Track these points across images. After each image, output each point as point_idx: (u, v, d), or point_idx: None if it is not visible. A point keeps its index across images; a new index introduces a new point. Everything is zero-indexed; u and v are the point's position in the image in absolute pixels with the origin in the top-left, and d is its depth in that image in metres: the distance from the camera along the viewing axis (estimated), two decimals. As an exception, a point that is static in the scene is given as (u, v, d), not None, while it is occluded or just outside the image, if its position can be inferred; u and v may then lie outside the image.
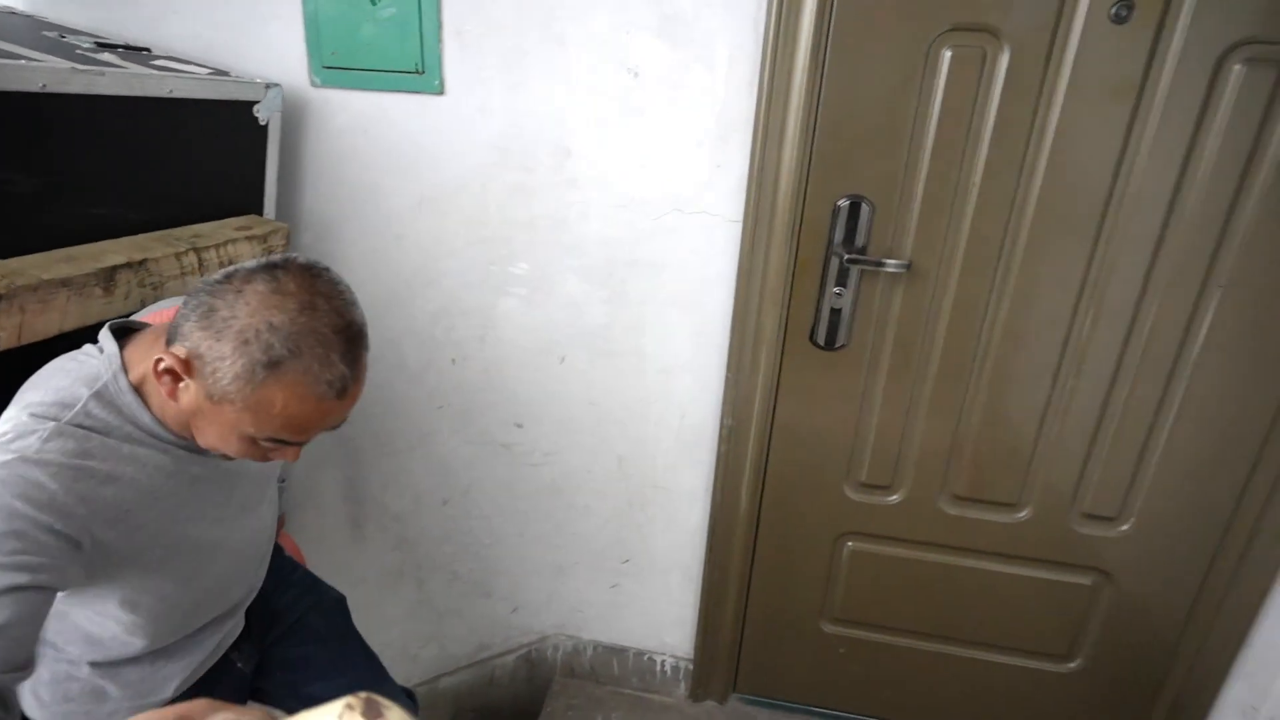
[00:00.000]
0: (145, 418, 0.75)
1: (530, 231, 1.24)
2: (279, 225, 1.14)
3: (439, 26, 1.12)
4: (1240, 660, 1.33)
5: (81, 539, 0.69)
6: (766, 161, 1.13)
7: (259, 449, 0.76)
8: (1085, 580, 1.35)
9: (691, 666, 1.58)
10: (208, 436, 0.76)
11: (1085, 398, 1.22)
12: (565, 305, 1.29)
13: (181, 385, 0.72)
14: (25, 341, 0.79)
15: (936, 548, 1.38)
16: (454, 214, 1.24)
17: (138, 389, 0.75)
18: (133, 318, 0.87)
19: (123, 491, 0.73)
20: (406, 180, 1.22)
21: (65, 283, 0.80)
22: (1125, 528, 1.30)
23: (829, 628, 1.50)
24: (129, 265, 0.87)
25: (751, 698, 1.60)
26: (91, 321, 0.84)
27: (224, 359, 0.69)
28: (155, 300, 0.92)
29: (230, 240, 1.01)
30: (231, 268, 0.72)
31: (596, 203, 1.20)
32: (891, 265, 1.17)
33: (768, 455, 1.35)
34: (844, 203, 1.15)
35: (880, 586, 1.43)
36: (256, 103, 1.12)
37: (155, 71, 0.97)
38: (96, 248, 0.89)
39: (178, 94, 0.97)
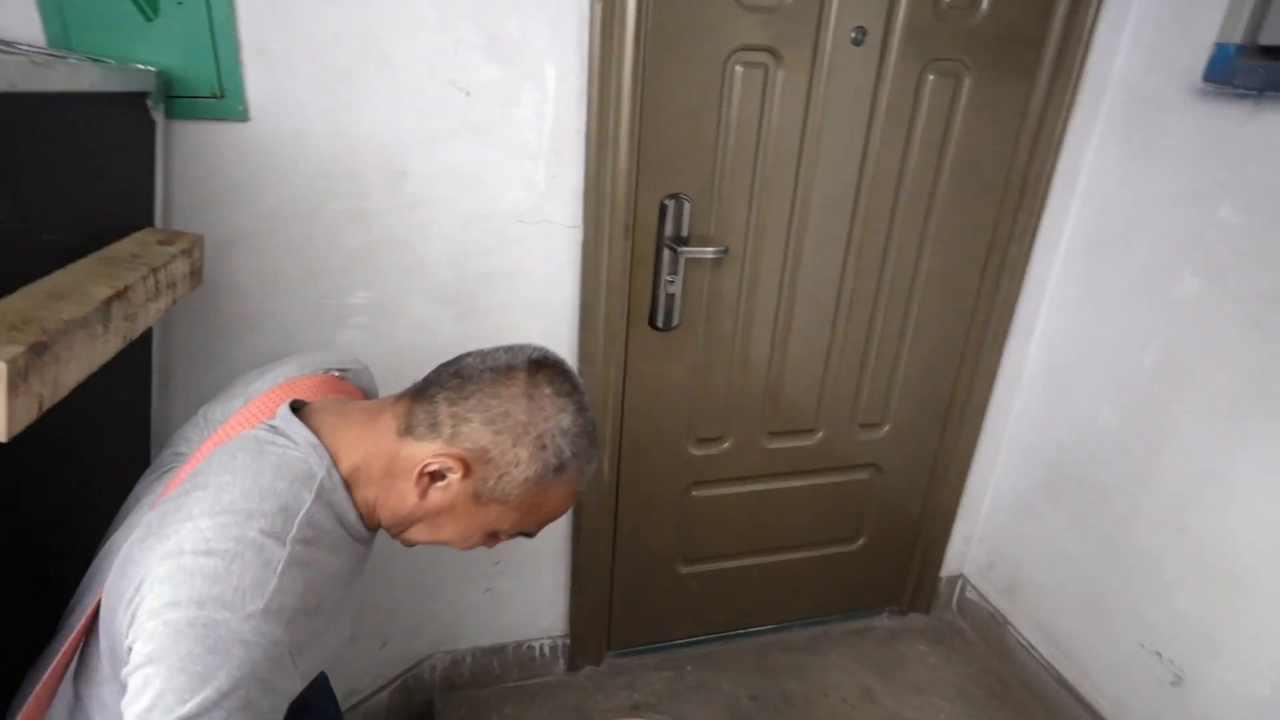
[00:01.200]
0: (352, 515, 0.70)
1: (369, 259, 1.18)
2: (195, 236, 0.94)
3: (236, 45, 0.99)
4: (962, 504, 1.83)
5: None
6: (600, 169, 1.22)
7: (491, 542, 0.75)
8: (864, 476, 1.73)
9: (568, 641, 1.68)
10: (442, 532, 0.74)
11: (855, 335, 1.55)
12: (413, 328, 1.25)
13: (441, 484, 0.70)
14: (56, 401, 0.59)
15: (760, 478, 1.65)
16: (276, 250, 1.12)
17: (347, 483, 0.69)
18: (258, 390, 0.79)
19: (324, 591, 0.65)
20: (213, 218, 1.07)
21: (83, 323, 0.61)
22: (887, 429, 1.69)
23: (683, 569, 1.70)
24: (117, 297, 0.68)
25: (624, 651, 1.76)
26: (96, 367, 0.66)
27: (519, 464, 0.70)
28: (132, 332, 0.73)
29: (170, 260, 0.82)
30: (494, 361, 0.72)
31: (439, 222, 1.19)
32: (710, 252, 1.35)
33: (621, 431, 1.48)
34: (669, 201, 1.30)
35: (721, 521, 1.67)
36: (148, 94, 0.90)
37: (40, 58, 0.73)
38: (64, 279, 0.68)
39: (71, 86, 0.75)
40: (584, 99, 1.17)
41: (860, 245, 1.46)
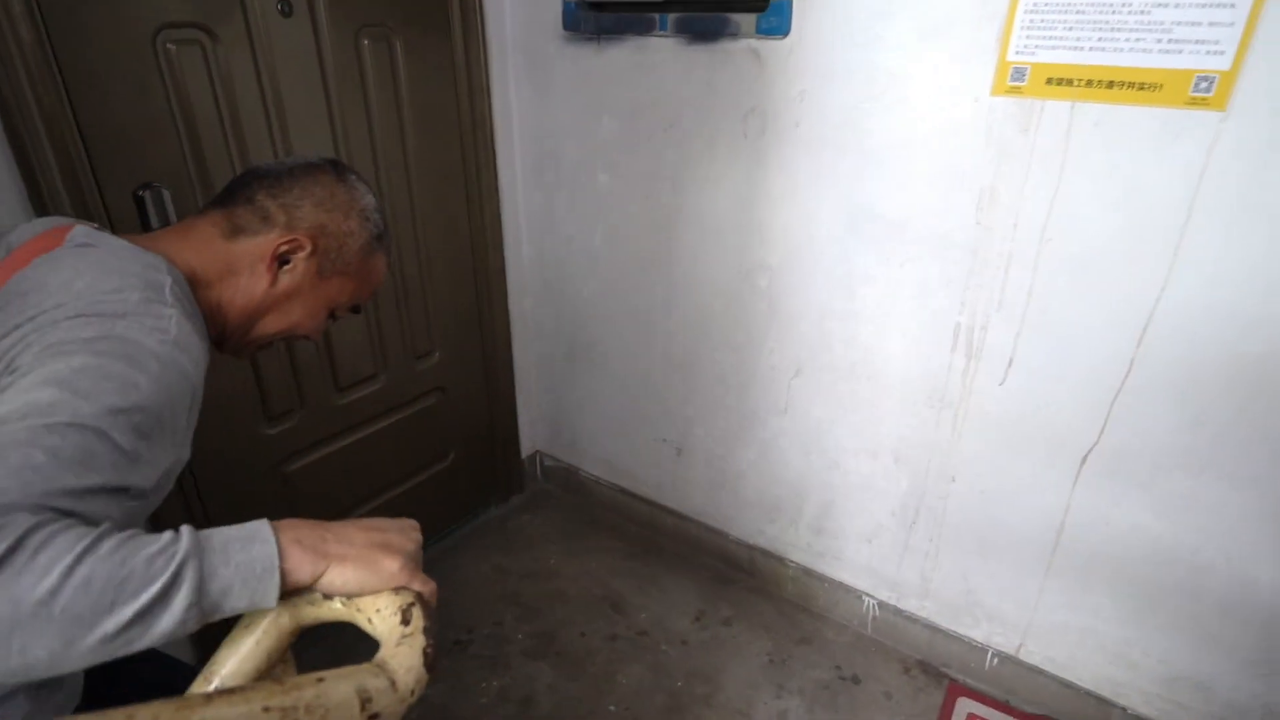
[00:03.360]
0: (199, 314, 0.73)
1: None
2: None
3: None
4: (517, 395, 2.20)
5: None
6: (41, 175, 1.11)
7: (329, 323, 0.88)
8: (433, 400, 1.96)
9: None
10: (292, 316, 0.82)
11: (387, 283, 1.71)
12: None
13: (287, 267, 0.80)
14: None
15: (343, 434, 1.74)
16: None
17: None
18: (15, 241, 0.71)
19: (198, 380, 0.65)
20: None
21: None
22: (438, 354, 1.93)
23: (298, 548, 1.72)
24: None
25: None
26: None
27: (352, 235, 0.83)
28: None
29: None
30: (294, 163, 0.82)
31: None
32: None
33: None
34: (144, 192, 1.24)
35: (323, 484, 1.73)
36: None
37: None
38: None
39: None
40: (-10, 97, 1.04)
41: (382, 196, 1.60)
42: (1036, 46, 1.17)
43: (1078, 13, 1.12)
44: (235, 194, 0.81)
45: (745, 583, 1.96)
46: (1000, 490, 1.47)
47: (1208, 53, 1.05)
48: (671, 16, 1.52)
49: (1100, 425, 1.31)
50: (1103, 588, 1.42)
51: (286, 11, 1.37)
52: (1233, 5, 1.01)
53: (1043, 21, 1.15)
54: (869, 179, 1.41)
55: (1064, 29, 1.13)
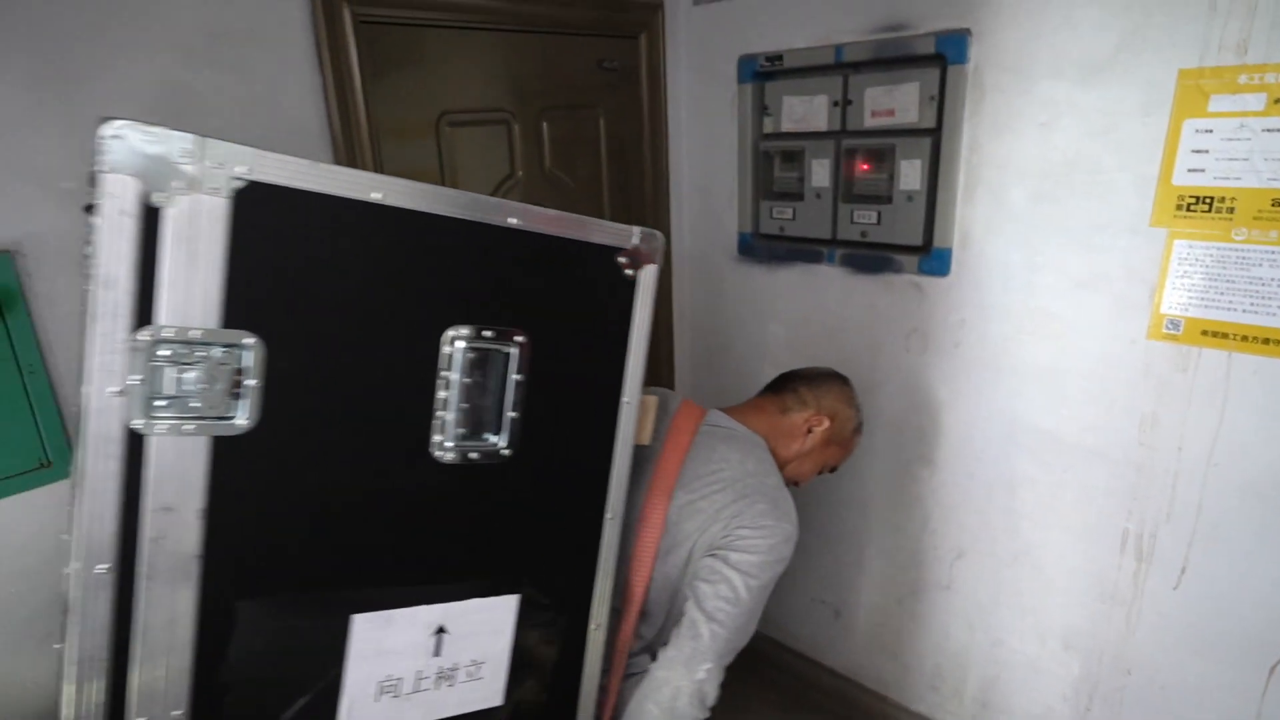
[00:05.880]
0: None
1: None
2: None
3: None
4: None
5: None
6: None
7: (817, 475, 1.42)
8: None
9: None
10: (804, 467, 1.35)
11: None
12: None
13: (810, 435, 1.32)
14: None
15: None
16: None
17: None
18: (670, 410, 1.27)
19: None
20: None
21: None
22: (619, 522, 2.17)
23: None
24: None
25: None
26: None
27: (850, 419, 1.39)
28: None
29: None
30: (820, 370, 1.44)
31: None
32: None
33: None
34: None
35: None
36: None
37: None
38: None
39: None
40: None
41: None
42: (1189, 304, 1.33)
43: (1228, 282, 1.28)
44: (783, 386, 1.38)
45: (910, 750, 2.02)
46: (1182, 687, 1.53)
47: (1357, 322, 1.19)
48: (839, 251, 1.78)
49: (1284, 638, 1.38)
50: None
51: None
52: (1378, 287, 1.16)
53: (1193, 285, 1.32)
54: (1027, 397, 1.58)
55: (1215, 293, 1.30)
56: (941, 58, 1.53)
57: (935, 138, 1.58)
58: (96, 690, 0.71)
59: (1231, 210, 1.26)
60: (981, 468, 1.70)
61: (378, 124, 1.50)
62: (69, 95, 1.13)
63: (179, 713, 0.75)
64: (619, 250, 0.96)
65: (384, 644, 0.87)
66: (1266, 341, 1.27)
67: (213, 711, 0.78)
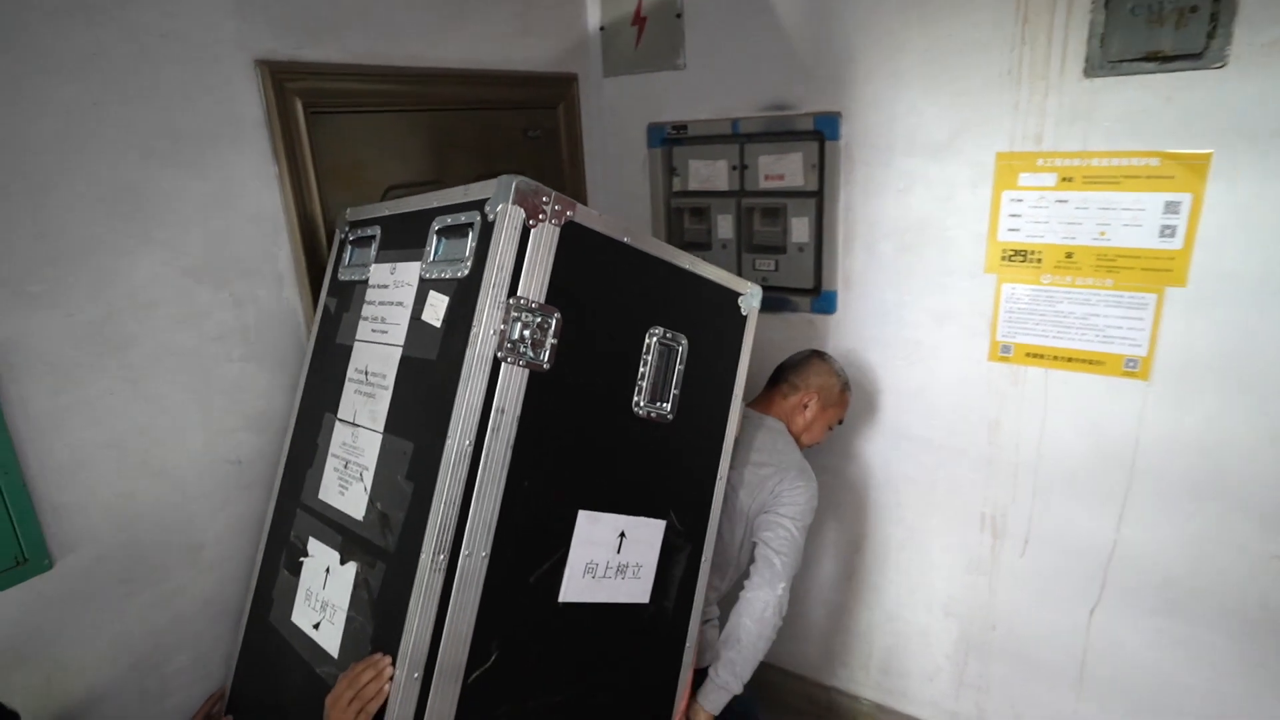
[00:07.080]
0: None
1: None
2: None
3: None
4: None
5: None
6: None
7: (829, 433, 1.80)
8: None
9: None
10: (814, 432, 1.73)
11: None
12: None
13: (807, 408, 1.70)
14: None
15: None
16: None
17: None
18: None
19: None
20: None
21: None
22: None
23: None
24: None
25: None
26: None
27: (834, 387, 1.73)
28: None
29: None
30: (801, 355, 1.80)
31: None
32: None
33: None
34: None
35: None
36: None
37: None
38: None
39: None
40: None
41: None
42: (1015, 332, 1.71)
43: (1040, 315, 1.67)
44: (778, 378, 1.76)
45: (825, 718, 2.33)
46: (1033, 634, 1.91)
47: (1131, 345, 1.59)
48: (744, 294, 2.07)
49: (1100, 586, 1.77)
50: (1122, 703, 1.83)
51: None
52: (1141, 317, 1.56)
53: (1017, 317, 1.70)
54: (904, 410, 1.93)
55: (1033, 324, 1.68)
56: (820, 134, 1.86)
57: (818, 199, 1.90)
58: (452, 518, 1.06)
59: (1039, 260, 1.64)
60: (872, 472, 2.04)
61: (330, 201, 1.63)
62: (37, 201, 1.15)
63: (485, 554, 1.08)
64: (739, 294, 1.45)
65: (593, 535, 1.23)
66: (1070, 360, 1.66)
67: (497, 561, 1.10)
